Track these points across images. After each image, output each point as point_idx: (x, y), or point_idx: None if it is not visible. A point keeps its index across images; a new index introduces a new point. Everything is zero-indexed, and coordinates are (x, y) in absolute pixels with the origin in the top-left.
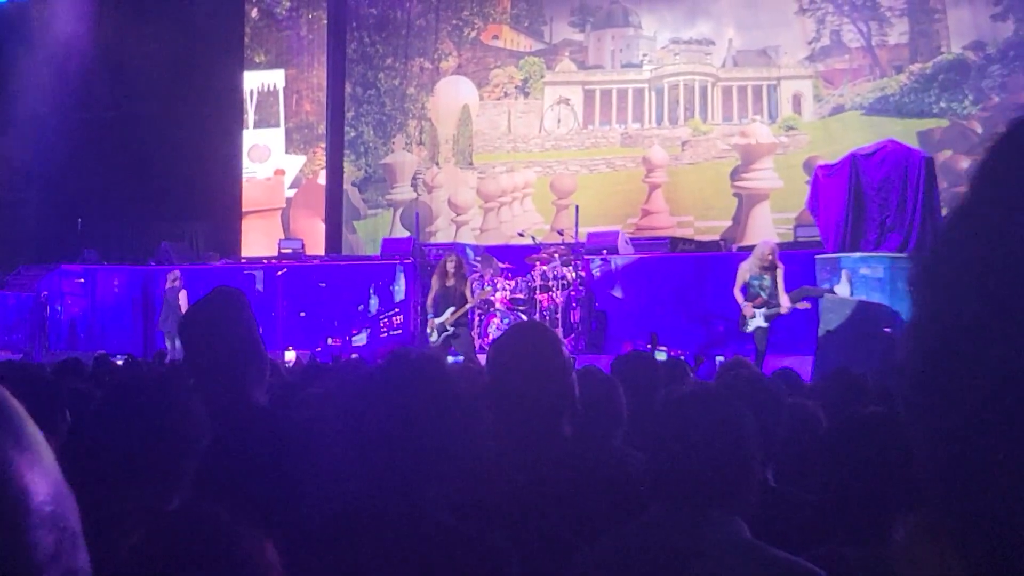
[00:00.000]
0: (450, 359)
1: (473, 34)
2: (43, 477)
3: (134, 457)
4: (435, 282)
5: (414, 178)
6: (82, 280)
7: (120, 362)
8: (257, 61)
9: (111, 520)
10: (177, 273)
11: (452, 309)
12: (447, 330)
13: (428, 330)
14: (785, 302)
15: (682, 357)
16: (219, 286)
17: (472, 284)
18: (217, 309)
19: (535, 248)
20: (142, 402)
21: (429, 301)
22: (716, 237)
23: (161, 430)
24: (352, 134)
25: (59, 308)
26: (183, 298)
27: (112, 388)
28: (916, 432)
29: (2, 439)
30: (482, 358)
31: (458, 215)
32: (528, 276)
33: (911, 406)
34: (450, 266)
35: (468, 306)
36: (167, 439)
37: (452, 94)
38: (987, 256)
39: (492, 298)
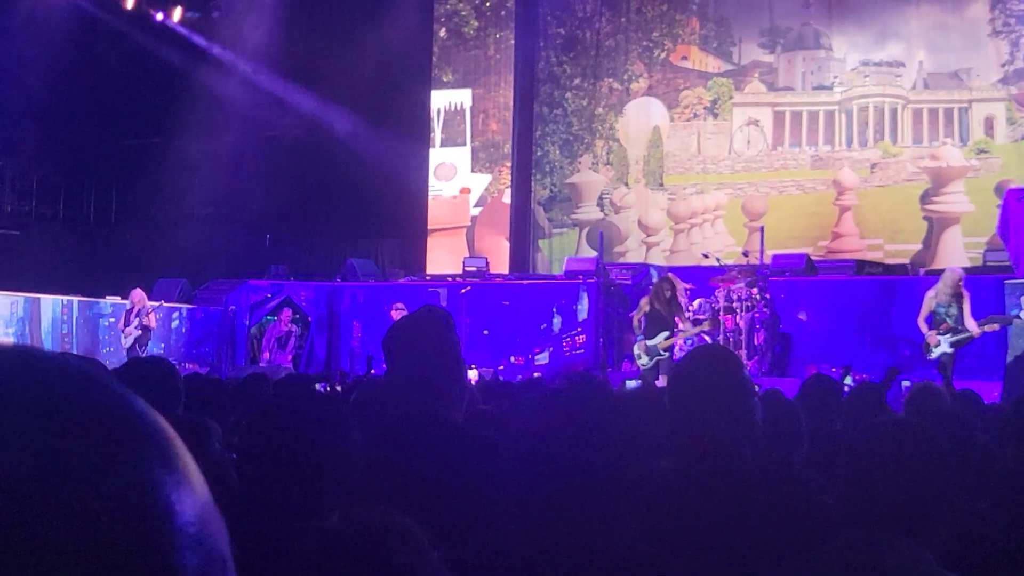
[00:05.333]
0: (630, 383)
1: (663, 55)
2: (190, 498)
3: (291, 474)
4: (647, 303)
5: (600, 198)
6: (269, 295)
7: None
8: (444, 80)
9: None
10: (402, 305)
11: (666, 334)
12: (660, 354)
13: (636, 351)
14: (973, 327)
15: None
16: (426, 304)
17: (688, 311)
18: (422, 327)
19: (720, 269)
20: (296, 421)
21: (636, 320)
22: (905, 261)
23: (316, 450)
24: (538, 153)
25: (247, 323)
26: None
27: (267, 405)
28: None
29: (149, 458)
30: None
31: (648, 236)
32: (712, 297)
33: None
34: (666, 291)
35: (685, 335)
36: (322, 458)
37: (642, 115)
38: None
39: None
